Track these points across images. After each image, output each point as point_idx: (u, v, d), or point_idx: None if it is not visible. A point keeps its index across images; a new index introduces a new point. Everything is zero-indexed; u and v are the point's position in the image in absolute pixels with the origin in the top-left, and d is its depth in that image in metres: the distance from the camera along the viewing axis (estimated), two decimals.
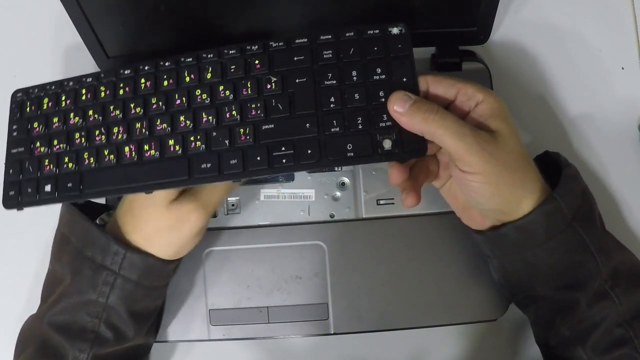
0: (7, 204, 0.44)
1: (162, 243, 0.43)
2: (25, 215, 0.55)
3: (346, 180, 0.52)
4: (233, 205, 0.52)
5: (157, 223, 0.42)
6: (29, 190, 0.43)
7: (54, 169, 0.43)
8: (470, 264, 0.50)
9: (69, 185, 0.42)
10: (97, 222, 0.46)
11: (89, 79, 0.44)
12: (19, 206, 0.43)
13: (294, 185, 0.52)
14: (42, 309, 0.44)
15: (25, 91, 0.46)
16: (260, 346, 0.52)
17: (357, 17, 0.49)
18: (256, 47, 0.42)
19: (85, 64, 0.53)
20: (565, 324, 0.42)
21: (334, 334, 0.50)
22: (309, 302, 0.50)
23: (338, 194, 0.52)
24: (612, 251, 0.42)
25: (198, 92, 0.41)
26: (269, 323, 0.50)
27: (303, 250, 0.51)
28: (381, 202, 0.51)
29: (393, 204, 0.51)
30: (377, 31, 0.41)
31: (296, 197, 0.52)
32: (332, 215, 0.51)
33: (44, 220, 0.55)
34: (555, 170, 0.43)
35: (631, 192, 0.54)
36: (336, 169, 0.52)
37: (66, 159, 0.42)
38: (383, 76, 0.40)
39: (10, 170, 0.44)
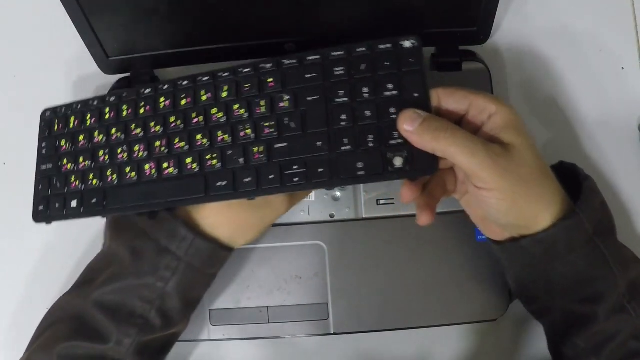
0: (37, 218, 0.46)
1: (234, 234, 0.43)
2: (26, 216, 0.55)
3: None
4: None
5: (237, 214, 0.43)
6: (57, 205, 0.45)
7: (80, 185, 0.44)
8: (470, 263, 0.50)
9: (93, 201, 0.43)
10: None
11: (112, 98, 0.46)
12: (48, 220, 0.45)
13: None
14: (88, 288, 0.43)
15: (54, 110, 0.48)
16: (260, 346, 0.52)
17: (357, 16, 0.49)
18: (270, 65, 0.42)
19: (86, 64, 0.53)
20: (581, 336, 0.42)
21: (334, 334, 0.50)
22: (309, 302, 0.50)
23: (338, 194, 0.52)
24: (630, 265, 0.42)
25: (214, 110, 0.42)
26: (269, 323, 0.50)
27: (303, 250, 0.51)
28: (381, 202, 0.51)
29: (393, 204, 0.51)
30: (389, 45, 0.40)
31: None
32: (332, 215, 0.51)
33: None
34: (571, 179, 0.42)
35: (631, 192, 0.54)
36: None
37: (91, 176, 0.44)
38: (395, 92, 0.39)
39: (40, 186, 0.46)
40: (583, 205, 0.40)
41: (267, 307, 0.50)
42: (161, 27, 0.49)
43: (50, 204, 0.45)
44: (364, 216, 0.51)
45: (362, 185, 0.51)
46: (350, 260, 0.50)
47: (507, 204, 0.38)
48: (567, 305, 0.42)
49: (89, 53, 0.50)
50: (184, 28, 0.49)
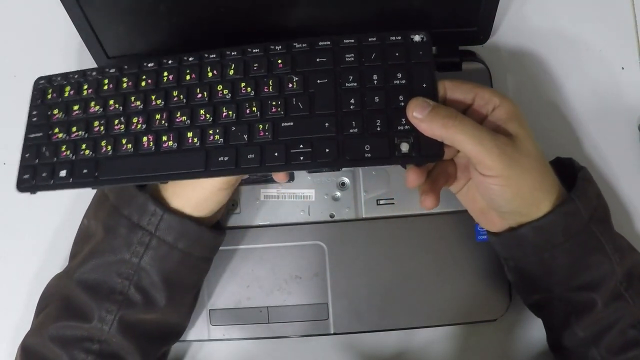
0: (21, 187, 0.44)
1: (199, 204, 0.43)
2: (25, 216, 0.55)
3: (346, 180, 0.52)
4: (233, 205, 0.52)
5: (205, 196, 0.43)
6: (44, 174, 0.43)
7: (71, 155, 0.43)
8: (470, 263, 0.50)
9: (85, 171, 0.42)
10: None
11: (112, 70, 0.45)
12: (33, 190, 0.44)
13: (294, 185, 0.52)
14: (71, 266, 0.44)
15: (48, 79, 0.46)
16: (260, 346, 0.52)
17: (357, 17, 0.49)
18: (280, 47, 0.42)
19: (86, 64, 0.53)
20: (580, 325, 0.42)
21: (334, 334, 0.50)
22: (309, 302, 0.50)
23: (338, 194, 0.52)
24: (626, 253, 0.43)
25: (220, 87, 0.42)
26: (269, 323, 0.50)
27: (303, 250, 0.51)
28: (381, 202, 0.51)
29: (393, 204, 0.51)
30: (399, 37, 0.41)
31: (296, 197, 0.52)
32: (332, 215, 0.51)
33: (44, 221, 0.55)
34: (568, 175, 0.43)
35: (631, 191, 0.54)
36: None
37: (83, 146, 0.43)
38: (403, 81, 0.40)
39: (27, 155, 0.44)
40: (578, 192, 0.41)
41: (267, 307, 0.50)
42: (161, 27, 0.49)
43: (36, 173, 0.43)
44: (364, 216, 0.51)
45: (362, 185, 0.51)
46: (350, 260, 0.50)
47: (511, 190, 0.39)
48: (565, 294, 0.43)
49: (89, 53, 0.50)
50: (184, 28, 0.49)
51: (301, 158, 0.39)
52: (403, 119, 0.39)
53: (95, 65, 0.51)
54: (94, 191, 0.53)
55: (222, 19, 0.48)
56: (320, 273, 0.50)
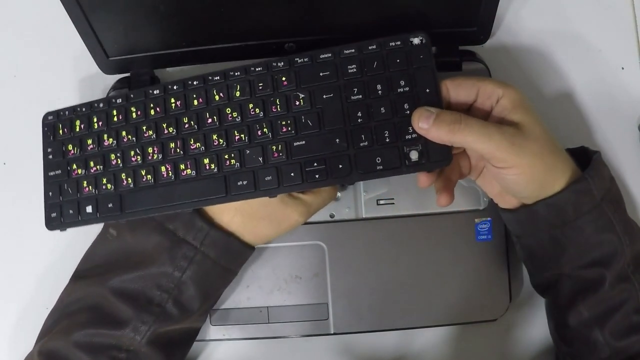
0: (51, 226, 0.45)
1: (252, 230, 0.44)
2: (26, 216, 0.55)
3: None
4: None
5: (256, 211, 0.43)
6: (71, 211, 0.44)
7: (94, 190, 0.44)
8: (470, 263, 0.50)
9: (110, 205, 0.43)
10: None
11: (119, 100, 0.45)
12: (62, 227, 0.45)
13: None
14: (103, 278, 0.44)
15: (56, 114, 0.47)
16: (260, 346, 0.52)
17: (357, 17, 0.49)
18: (282, 63, 0.43)
19: (86, 64, 0.53)
20: (586, 304, 0.43)
21: (334, 334, 0.50)
22: (309, 302, 0.50)
23: (338, 194, 0.52)
24: (636, 237, 0.44)
25: (228, 110, 0.43)
26: (269, 323, 0.50)
27: (303, 250, 0.51)
28: (381, 202, 0.51)
29: (393, 204, 0.51)
30: (398, 42, 0.42)
31: None
32: (332, 215, 0.51)
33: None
34: (583, 164, 0.44)
35: (632, 191, 0.54)
36: None
37: (104, 180, 0.44)
38: (407, 88, 0.41)
39: (50, 193, 0.45)
40: (592, 172, 0.42)
41: (267, 307, 0.50)
42: (161, 27, 0.49)
43: (63, 210, 0.45)
44: (364, 216, 0.51)
45: (362, 185, 0.51)
46: (350, 260, 0.50)
47: (526, 177, 0.40)
48: (575, 272, 0.44)
49: (89, 53, 0.50)
50: (184, 28, 0.49)
51: (317, 176, 0.41)
52: (410, 128, 0.40)
53: (95, 65, 0.51)
54: None
55: (222, 19, 0.48)
56: (320, 273, 0.50)
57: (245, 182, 0.41)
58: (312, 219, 0.51)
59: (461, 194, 0.50)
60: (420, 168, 0.40)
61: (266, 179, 0.41)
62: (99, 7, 0.46)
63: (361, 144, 0.40)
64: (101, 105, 0.46)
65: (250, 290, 0.51)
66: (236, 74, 0.43)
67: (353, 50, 0.42)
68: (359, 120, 0.41)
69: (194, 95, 0.44)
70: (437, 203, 0.43)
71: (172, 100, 0.44)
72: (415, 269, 0.50)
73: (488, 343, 0.52)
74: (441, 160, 0.40)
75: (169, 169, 0.43)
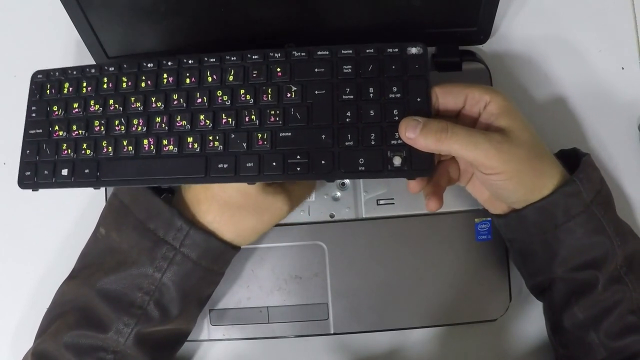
0: (23, 184, 0.45)
1: (234, 225, 0.44)
2: (26, 216, 0.55)
3: (346, 180, 0.52)
4: None
5: (237, 201, 0.43)
6: (46, 172, 0.44)
7: (72, 154, 0.44)
8: (470, 263, 0.50)
9: (86, 171, 0.43)
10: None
11: (112, 68, 0.45)
12: (35, 187, 0.44)
13: None
14: (92, 277, 0.44)
15: (46, 73, 0.46)
16: (260, 346, 0.52)
17: (358, 17, 0.49)
18: (279, 54, 0.43)
19: (85, 64, 0.53)
20: (580, 306, 0.43)
21: (334, 334, 0.50)
22: (309, 302, 0.50)
23: (338, 194, 0.52)
24: (628, 238, 0.44)
25: (219, 93, 0.43)
26: (269, 323, 0.50)
27: (303, 250, 0.51)
28: (381, 202, 0.51)
29: (393, 204, 0.51)
30: (396, 50, 0.42)
31: None
32: (332, 215, 0.51)
33: (44, 221, 0.55)
34: (574, 164, 0.44)
35: (632, 191, 0.54)
36: None
37: (84, 146, 0.43)
38: (398, 95, 0.41)
39: (28, 151, 0.45)
40: (580, 174, 0.42)
41: (267, 307, 0.50)
42: (161, 27, 0.49)
43: (38, 170, 0.44)
44: (364, 216, 0.51)
45: (362, 185, 0.51)
46: (350, 260, 0.50)
47: (514, 182, 0.41)
48: (567, 275, 0.44)
49: (88, 53, 0.50)
50: (184, 28, 0.49)
51: (298, 169, 0.40)
52: (397, 134, 0.40)
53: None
54: (95, 193, 0.53)
55: (222, 19, 0.48)
56: (320, 273, 0.50)
57: (226, 166, 0.41)
58: (312, 219, 0.51)
59: (461, 193, 0.50)
60: (401, 174, 0.40)
61: (247, 165, 0.41)
62: (98, 6, 0.46)
63: (346, 143, 0.40)
64: (93, 71, 0.45)
65: (250, 290, 0.51)
66: (232, 58, 0.43)
67: (350, 52, 0.42)
68: (347, 120, 0.41)
69: (187, 74, 0.43)
70: (427, 208, 0.43)
71: (165, 75, 0.44)
72: (415, 269, 0.50)
73: (488, 343, 0.52)
74: (423, 170, 0.40)
75: (152, 143, 0.42)
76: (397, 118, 0.41)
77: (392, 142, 0.40)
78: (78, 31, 0.48)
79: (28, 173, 0.44)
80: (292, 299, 0.50)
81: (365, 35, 0.50)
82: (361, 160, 0.40)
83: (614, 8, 0.57)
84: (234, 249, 0.45)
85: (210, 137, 0.42)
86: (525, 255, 0.46)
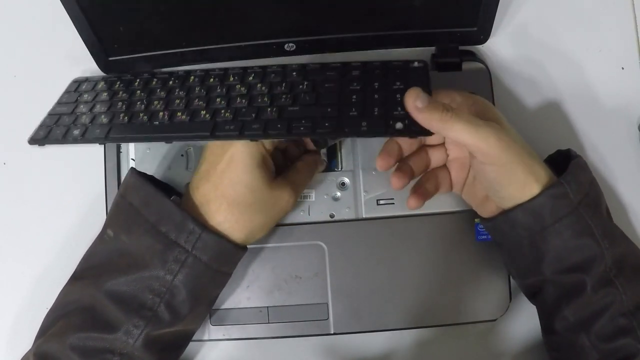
0: (32, 141, 0.46)
1: (244, 223, 0.44)
2: (26, 216, 0.55)
3: (346, 180, 0.52)
4: None
5: (247, 201, 0.43)
6: (58, 132, 0.46)
7: (88, 121, 0.46)
8: (470, 263, 0.50)
9: (97, 131, 0.45)
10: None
11: (145, 74, 0.50)
12: (42, 143, 0.45)
13: None
14: (99, 279, 0.43)
15: (85, 78, 0.52)
16: (260, 346, 0.52)
17: (357, 17, 0.49)
18: (295, 65, 0.47)
19: (86, 64, 0.53)
20: (571, 309, 0.43)
21: (334, 334, 0.50)
22: (309, 302, 0.50)
23: (338, 194, 0.52)
24: (617, 240, 0.44)
25: (238, 86, 0.46)
26: (269, 323, 0.50)
27: (303, 250, 0.51)
28: (381, 202, 0.51)
29: (393, 204, 0.51)
30: (399, 63, 0.46)
31: None
32: (332, 215, 0.51)
33: (44, 221, 0.55)
34: (567, 165, 0.44)
35: (631, 192, 0.54)
36: (336, 168, 0.52)
37: (102, 117, 0.46)
38: (402, 86, 0.43)
39: (47, 120, 0.47)
40: (568, 177, 0.42)
41: (267, 307, 0.50)
42: (161, 27, 0.49)
43: (51, 131, 0.46)
44: (364, 216, 0.51)
45: (362, 185, 0.51)
46: (350, 260, 0.50)
47: (507, 175, 0.42)
48: (556, 277, 0.44)
49: (89, 53, 0.50)
50: (184, 28, 0.49)
51: (302, 129, 0.42)
52: (399, 107, 0.41)
53: (95, 65, 0.51)
54: (96, 193, 0.53)
55: (222, 19, 0.48)
56: (320, 273, 0.50)
57: (232, 127, 0.42)
58: (312, 219, 0.51)
59: None
60: (402, 134, 0.41)
61: (253, 126, 0.42)
62: (98, 7, 0.46)
63: (350, 114, 0.42)
64: (128, 76, 0.50)
65: (250, 290, 0.51)
66: (254, 67, 0.48)
67: (359, 64, 0.47)
68: (353, 100, 0.43)
69: (212, 79, 0.47)
70: (407, 204, 0.46)
71: (192, 78, 0.48)
72: (415, 269, 0.50)
73: (488, 343, 0.52)
74: (424, 131, 0.41)
75: (166, 115, 0.45)
76: (399, 98, 0.42)
77: (395, 113, 0.41)
78: (78, 31, 0.48)
79: (41, 133, 0.46)
80: (292, 299, 0.50)
81: (366, 35, 0.50)
82: (364, 123, 0.41)
83: (614, 8, 0.57)
84: (243, 250, 0.45)
85: (222, 111, 0.44)
86: (514, 258, 0.46)
